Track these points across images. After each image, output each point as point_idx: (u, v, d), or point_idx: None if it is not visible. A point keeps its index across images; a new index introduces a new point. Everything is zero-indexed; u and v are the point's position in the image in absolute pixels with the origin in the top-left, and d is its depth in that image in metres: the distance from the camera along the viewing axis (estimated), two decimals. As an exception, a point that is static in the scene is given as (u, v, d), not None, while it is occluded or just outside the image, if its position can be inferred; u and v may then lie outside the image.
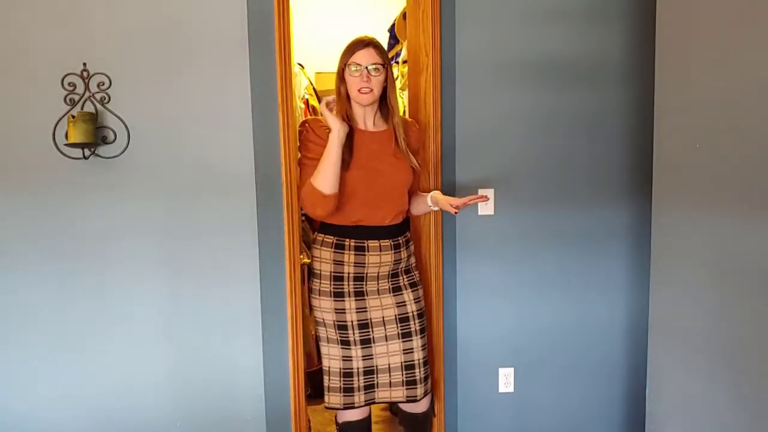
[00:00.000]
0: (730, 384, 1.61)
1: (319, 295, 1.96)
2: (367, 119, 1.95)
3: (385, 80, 1.89)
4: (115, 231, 2.01)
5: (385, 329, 1.97)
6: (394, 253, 1.98)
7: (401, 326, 1.98)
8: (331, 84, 4.10)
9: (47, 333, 2.02)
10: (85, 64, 1.94)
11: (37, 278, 2.00)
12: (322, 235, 1.98)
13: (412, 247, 2.07)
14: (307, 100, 3.41)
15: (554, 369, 2.29)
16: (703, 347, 1.72)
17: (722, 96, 1.61)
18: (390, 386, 1.99)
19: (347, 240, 1.95)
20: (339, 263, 1.95)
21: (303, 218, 3.21)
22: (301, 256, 2.21)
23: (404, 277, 2.03)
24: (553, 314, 2.27)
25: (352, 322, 1.95)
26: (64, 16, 1.94)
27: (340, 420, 2.05)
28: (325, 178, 1.81)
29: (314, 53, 4.00)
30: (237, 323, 2.08)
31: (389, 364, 1.98)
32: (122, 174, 2.00)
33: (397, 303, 1.99)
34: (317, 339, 2.06)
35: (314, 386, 2.97)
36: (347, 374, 1.95)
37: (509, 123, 2.19)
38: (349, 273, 1.95)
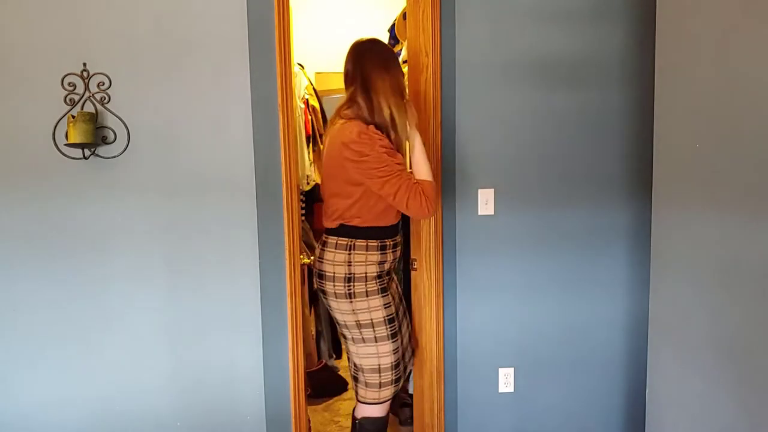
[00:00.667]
0: (730, 383, 1.61)
1: (367, 296, 1.99)
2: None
3: None
4: (115, 231, 2.01)
5: (399, 319, 2.13)
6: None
7: (402, 305, 2.21)
8: (331, 84, 4.12)
9: (46, 333, 2.02)
10: (85, 64, 1.95)
11: (37, 278, 2.00)
12: (365, 240, 1.99)
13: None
14: (307, 100, 3.41)
15: (554, 369, 2.29)
16: (703, 347, 1.72)
17: (722, 96, 1.61)
18: (409, 361, 2.23)
19: (387, 240, 2.04)
20: (382, 263, 2.04)
21: (302, 218, 3.21)
22: (301, 257, 2.21)
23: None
24: (553, 314, 2.27)
25: (394, 314, 2.07)
26: (64, 17, 1.94)
27: (365, 414, 2.07)
28: (431, 172, 1.95)
29: (314, 53, 4.01)
30: (237, 323, 2.08)
31: (408, 339, 2.22)
32: (122, 174, 2.00)
33: (395, 285, 2.21)
34: (354, 343, 2.05)
35: (314, 386, 2.98)
36: (397, 365, 2.05)
37: (509, 123, 2.19)
38: (384, 270, 2.06)
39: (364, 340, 2.01)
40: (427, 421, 2.32)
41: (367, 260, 1.99)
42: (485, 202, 2.19)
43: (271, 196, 2.05)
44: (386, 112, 1.89)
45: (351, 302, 1.98)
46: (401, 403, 2.97)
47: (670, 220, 1.87)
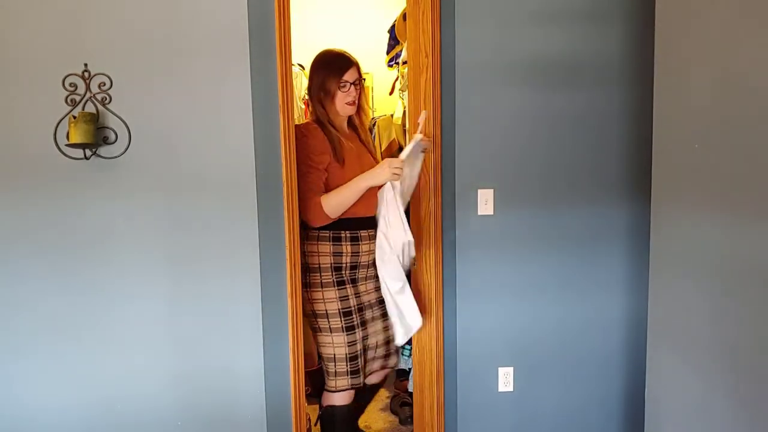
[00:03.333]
0: (729, 384, 1.62)
1: (322, 287, 2.14)
2: (343, 124, 2.22)
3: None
4: (116, 231, 2.02)
5: (372, 311, 2.23)
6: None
7: (380, 307, 2.25)
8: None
9: (47, 333, 2.02)
10: (86, 65, 1.95)
11: (38, 278, 2.00)
12: (317, 231, 2.14)
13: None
14: (307, 100, 3.42)
15: (554, 368, 2.30)
16: (702, 347, 1.72)
17: (721, 96, 1.61)
18: (373, 360, 2.26)
19: (343, 232, 2.14)
20: (338, 254, 2.14)
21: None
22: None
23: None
24: (552, 314, 2.27)
25: (353, 306, 2.16)
26: (65, 17, 1.94)
27: (327, 402, 2.20)
28: (339, 208, 2.08)
29: (314, 54, 4.01)
30: (237, 323, 2.08)
31: (376, 342, 2.25)
32: (123, 174, 2.00)
33: (376, 287, 2.24)
34: (315, 332, 2.19)
35: (314, 386, 2.98)
36: (353, 357, 2.15)
37: (509, 123, 2.19)
38: (346, 263, 2.15)
39: (320, 330, 2.17)
40: (427, 420, 2.32)
41: (319, 251, 2.14)
42: (485, 202, 2.20)
43: (272, 196, 2.06)
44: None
45: (306, 291, 2.16)
46: (401, 402, 2.97)
47: (669, 220, 1.88)
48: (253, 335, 2.09)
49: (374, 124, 3.56)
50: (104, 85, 1.96)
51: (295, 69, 3.27)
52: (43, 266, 2.00)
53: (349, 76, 2.14)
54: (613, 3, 2.18)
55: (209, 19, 1.99)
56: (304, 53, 3.71)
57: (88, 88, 1.95)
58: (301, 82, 3.39)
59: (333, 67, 2.16)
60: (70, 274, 2.01)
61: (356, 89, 2.16)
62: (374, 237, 2.15)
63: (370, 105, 3.40)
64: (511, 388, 2.29)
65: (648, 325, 2.00)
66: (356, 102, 2.17)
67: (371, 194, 2.13)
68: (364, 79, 2.28)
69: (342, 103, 2.15)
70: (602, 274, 2.28)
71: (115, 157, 1.99)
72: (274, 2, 2.01)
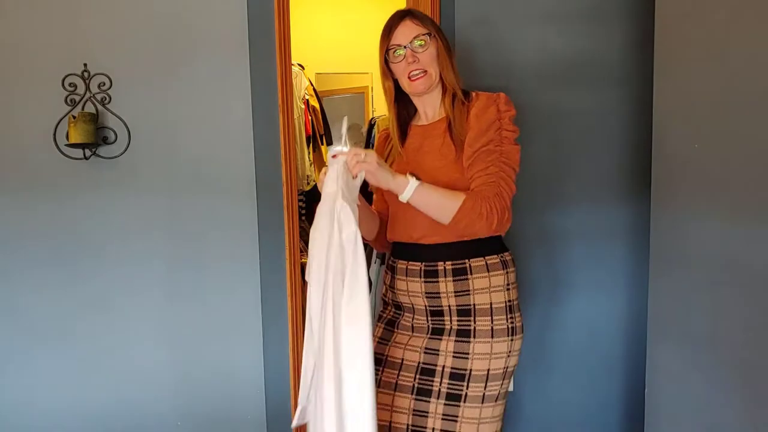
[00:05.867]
0: (729, 383, 1.62)
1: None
2: (428, 110, 1.56)
3: (438, 54, 1.49)
4: (116, 231, 2.02)
5: (398, 376, 1.51)
6: (425, 282, 1.50)
7: (420, 379, 1.49)
8: (331, 85, 4.13)
9: (46, 332, 2.02)
10: (85, 65, 1.95)
11: (37, 278, 2.00)
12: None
13: (476, 281, 1.48)
14: (308, 100, 3.42)
15: (553, 368, 2.30)
16: (702, 347, 1.72)
17: (721, 96, 1.61)
18: None
19: (391, 260, 1.61)
20: (391, 288, 1.60)
21: (303, 218, 3.22)
22: (301, 256, 2.22)
23: (454, 319, 1.48)
24: (551, 312, 2.27)
25: (383, 356, 1.55)
26: (64, 17, 1.94)
27: None
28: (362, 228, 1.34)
29: (315, 54, 4.01)
30: (237, 323, 2.08)
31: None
32: (123, 174, 2.00)
33: (427, 348, 1.50)
34: None
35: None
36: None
37: (509, 123, 2.19)
38: (389, 298, 1.61)
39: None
40: (427, 421, 2.32)
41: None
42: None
43: (272, 196, 2.06)
44: None
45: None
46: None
47: (669, 220, 1.88)
48: (253, 335, 2.09)
49: (374, 124, 3.57)
50: (104, 85, 1.96)
51: (295, 69, 3.27)
52: (43, 266, 2.00)
53: (401, 36, 1.46)
54: (612, 3, 2.18)
55: (209, 19, 1.99)
56: (304, 53, 3.72)
57: (87, 88, 1.95)
58: (301, 82, 3.39)
59: (383, 31, 1.51)
60: (69, 274, 2.01)
61: (421, 51, 1.46)
62: (415, 273, 1.51)
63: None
64: (511, 388, 2.29)
65: (648, 323, 2.00)
66: (427, 72, 1.47)
67: (412, 214, 1.46)
68: (438, 33, 1.51)
69: (404, 80, 1.49)
70: (602, 273, 2.27)
71: (115, 157, 1.99)
72: (274, 2, 2.01)
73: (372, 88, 4.35)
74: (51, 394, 2.04)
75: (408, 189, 1.33)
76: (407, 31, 1.46)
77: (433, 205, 1.37)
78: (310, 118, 3.40)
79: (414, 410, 1.49)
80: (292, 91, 2.12)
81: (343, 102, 4.31)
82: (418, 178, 1.36)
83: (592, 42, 2.19)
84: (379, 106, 4.13)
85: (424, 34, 1.46)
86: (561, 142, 2.21)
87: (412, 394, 1.49)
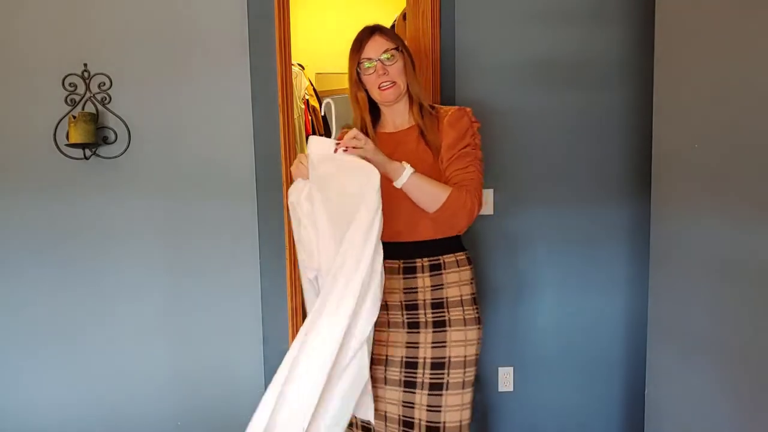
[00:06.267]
0: (729, 383, 1.62)
1: None
2: (396, 118, 1.65)
3: (404, 67, 1.58)
4: (116, 231, 2.02)
5: (386, 371, 1.60)
6: (404, 278, 1.59)
7: (405, 372, 1.58)
8: (331, 85, 4.13)
9: (47, 333, 2.02)
10: (85, 65, 1.95)
11: (38, 278, 2.00)
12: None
13: (449, 276, 1.60)
14: (308, 100, 3.42)
15: (553, 368, 2.30)
16: (702, 347, 1.72)
17: (721, 96, 1.61)
18: None
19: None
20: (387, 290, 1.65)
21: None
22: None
23: (429, 312, 1.58)
24: (552, 313, 2.27)
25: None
26: (65, 17, 1.94)
27: None
28: None
29: (315, 54, 4.01)
30: (237, 323, 2.08)
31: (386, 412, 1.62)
32: (123, 174, 2.00)
33: (407, 343, 1.59)
34: None
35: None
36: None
37: (509, 123, 2.19)
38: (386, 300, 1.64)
39: None
40: (427, 421, 2.32)
41: None
42: (484, 202, 2.19)
43: (272, 196, 2.06)
44: None
45: None
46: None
47: (669, 220, 1.88)
48: (253, 335, 2.09)
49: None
50: (104, 85, 1.96)
51: (295, 69, 3.27)
52: (43, 266, 2.00)
53: (371, 50, 1.56)
54: (614, 3, 2.18)
55: (209, 19, 1.99)
56: (304, 53, 3.72)
57: (87, 88, 1.95)
58: (301, 82, 3.39)
59: (353, 45, 1.62)
60: (70, 274, 2.01)
61: (390, 64, 1.55)
62: (394, 271, 1.61)
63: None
64: (511, 388, 2.29)
65: (648, 324, 2.00)
66: (396, 83, 1.55)
67: (394, 212, 1.53)
68: (405, 49, 1.60)
69: (374, 89, 1.58)
70: (602, 274, 2.27)
71: (115, 156, 1.99)
72: (274, 2, 2.01)
73: (372, 88, 4.34)
74: (51, 394, 2.04)
75: (404, 174, 1.42)
76: (377, 46, 1.56)
77: (425, 191, 1.46)
78: (310, 118, 3.41)
79: (403, 402, 1.59)
80: (292, 91, 2.12)
81: (343, 102, 4.31)
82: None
83: (592, 42, 2.19)
84: (379, 106, 4.13)
85: (392, 49, 1.56)
86: (561, 142, 2.21)
87: (400, 386, 1.59)
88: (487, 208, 2.20)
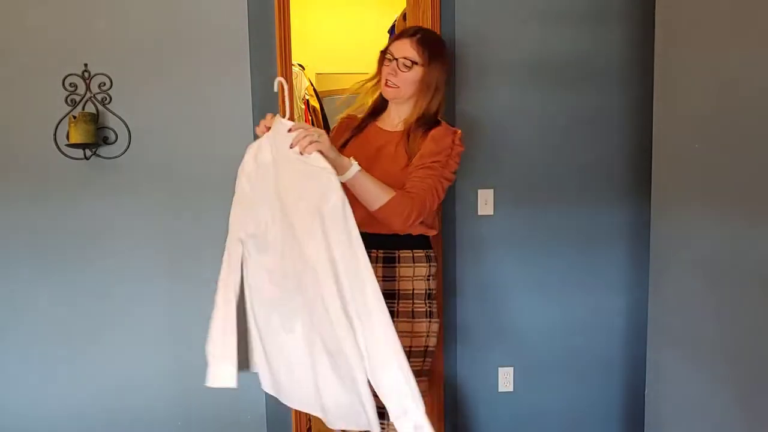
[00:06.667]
0: (729, 383, 1.62)
1: None
2: (394, 117, 1.72)
3: (420, 81, 1.64)
4: (116, 231, 2.02)
5: None
6: None
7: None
8: (331, 85, 4.13)
9: (47, 333, 2.02)
10: (86, 65, 1.95)
11: (38, 278, 2.00)
12: None
13: (402, 270, 1.67)
14: (308, 100, 3.42)
15: (553, 368, 2.30)
16: (702, 346, 1.72)
17: (721, 97, 1.61)
18: None
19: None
20: None
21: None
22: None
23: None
24: (552, 313, 2.27)
25: None
26: (65, 17, 1.94)
27: None
28: None
29: (315, 54, 4.01)
30: (237, 323, 2.08)
31: None
32: (123, 174, 2.00)
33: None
34: None
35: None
36: None
37: (509, 123, 2.19)
38: None
39: None
40: (427, 421, 2.32)
41: None
42: (485, 202, 2.20)
43: (272, 196, 2.05)
44: None
45: None
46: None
47: (670, 220, 1.88)
48: (253, 335, 2.09)
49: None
50: (104, 85, 1.96)
51: (295, 69, 3.27)
52: (42, 266, 2.00)
53: (396, 48, 1.64)
54: (613, 4, 2.18)
55: (209, 19, 1.99)
56: (304, 53, 3.72)
57: (88, 88, 1.95)
58: (301, 82, 3.39)
59: (394, 35, 1.71)
60: (70, 274, 2.01)
61: (403, 70, 1.62)
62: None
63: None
64: (511, 388, 2.29)
65: (648, 324, 2.00)
66: (399, 87, 1.63)
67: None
68: (432, 67, 1.63)
69: (382, 80, 1.67)
70: (602, 274, 2.28)
71: (115, 157, 1.99)
72: (274, 2, 2.01)
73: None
74: (51, 394, 2.04)
75: (349, 171, 1.43)
76: (402, 48, 1.64)
77: (366, 190, 1.48)
78: (310, 118, 3.40)
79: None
80: (292, 91, 2.12)
81: (343, 102, 4.30)
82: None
83: (592, 42, 2.19)
84: (379, 106, 4.13)
85: (412, 61, 1.62)
86: (561, 142, 2.21)
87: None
88: (487, 208, 2.20)
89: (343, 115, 1.87)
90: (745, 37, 1.52)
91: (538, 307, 2.27)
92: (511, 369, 2.28)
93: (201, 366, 2.11)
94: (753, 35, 1.48)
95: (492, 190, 2.20)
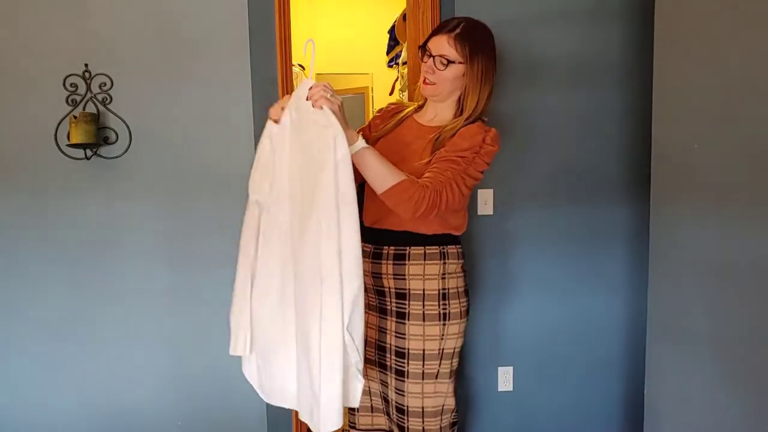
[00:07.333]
0: (728, 383, 1.62)
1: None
2: (430, 113, 1.67)
3: (461, 78, 1.57)
4: (117, 231, 2.02)
5: (365, 350, 1.60)
6: (372, 263, 1.63)
7: (378, 354, 1.67)
8: (331, 85, 4.13)
9: (47, 333, 2.03)
10: (86, 65, 1.96)
11: (38, 278, 2.00)
12: None
13: (412, 268, 1.60)
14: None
15: (553, 368, 2.30)
16: (701, 346, 1.73)
17: (720, 96, 1.61)
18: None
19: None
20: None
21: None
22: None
23: (393, 301, 1.62)
24: (551, 313, 2.27)
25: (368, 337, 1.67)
26: (66, 17, 1.95)
27: None
28: None
29: (315, 54, 4.02)
30: (238, 323, 2.08)
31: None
32: (124, 174, 2.00)
33: (379, 327, 1.67)
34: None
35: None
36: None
37: (508, 123, 2.19)
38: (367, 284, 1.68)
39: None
40: (427, 420, 2.32)
41: None
42: (484, 202, 2.20)
43: (272, 196, 2.06)
44: None
45: None
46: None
47: (669, 220, 1.88)
48: (254, 335, 2.09)
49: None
50: (105, 85, 1.96)
51: (295, 69, 3.28)
52: (43, 266, 2.00)
53: (433, 45, 1.55)
54: (613, 3, 2.18)
55: (209, 19, 2.00)
56: (304, 54, 3.72)
57: (88, 88, 1.96)
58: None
59: (434, 28, 1.63)
60: (70, 274, 2.01)
61: (439, 69, 1.54)
62: (366, 255, 1.62)
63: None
64: (510, 388, 2.29)
65: (647, 324, 2.00)
66: (436, 85, 1.56)
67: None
68: (472, 63, 1.55)
69: (420, 77, 1.61)
70: (602, 274, 2.28)
71: (116, 157, 1.99)
72: (274, 2, 2.02)
73: (372, 88, 4.35)
74: (51, 394, 2.05)
75: (355, 145, 1.38)
76: (439, 45, 1.54)
77: (373, 169, 1.41)
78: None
79: (380, 380, 1.69)
80: (292, 91, 2.12)
81: (345, 102, 4.30)
82: (368, 142, 1.43)
83: (592, 42, 2.19)
84: (379, 106, 4.13)
85: (448, 59, 1.53)
86: (560, 142, 2.22)
87: (375, 366, 1.68)
88: (487, 208, 2.20)
89: (392, 100, 1.88)
90: (745, 37, 1.52)
91: (537, 307, 2.27)
92: (511, 369, 2.28)
93: (201, 365, 2.12)
94: (753, 35, 1.49)
95: (492, 190, 2.20)
